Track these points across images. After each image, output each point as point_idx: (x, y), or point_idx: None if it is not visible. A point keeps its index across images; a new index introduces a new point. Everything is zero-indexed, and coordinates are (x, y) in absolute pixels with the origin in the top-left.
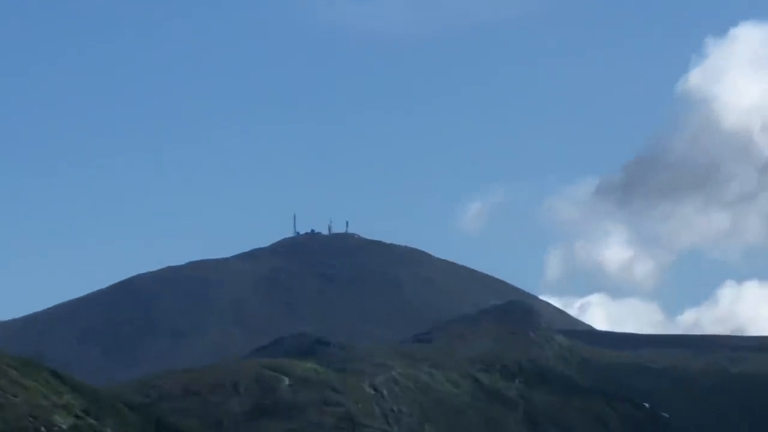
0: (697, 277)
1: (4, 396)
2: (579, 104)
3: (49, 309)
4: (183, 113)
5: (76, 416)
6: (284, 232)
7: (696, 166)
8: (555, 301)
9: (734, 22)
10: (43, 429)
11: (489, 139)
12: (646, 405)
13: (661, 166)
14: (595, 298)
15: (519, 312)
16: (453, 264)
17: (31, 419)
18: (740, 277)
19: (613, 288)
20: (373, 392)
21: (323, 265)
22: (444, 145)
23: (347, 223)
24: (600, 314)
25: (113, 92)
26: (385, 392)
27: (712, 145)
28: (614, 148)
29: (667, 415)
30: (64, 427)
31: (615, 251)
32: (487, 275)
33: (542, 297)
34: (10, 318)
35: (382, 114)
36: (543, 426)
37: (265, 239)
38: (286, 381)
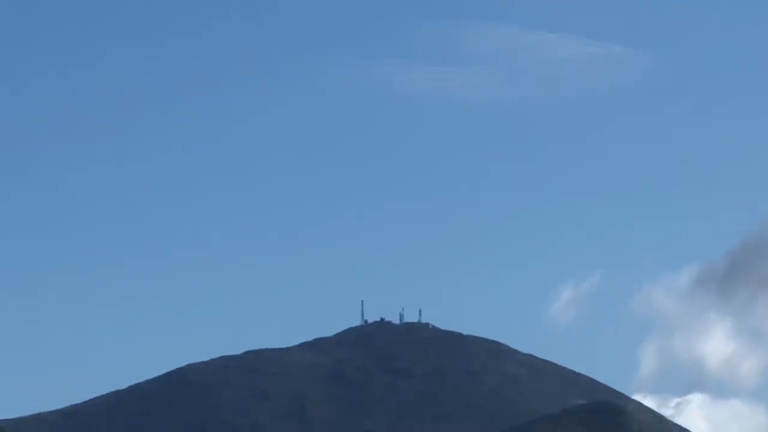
0: None
1: None
2: (681, 182)
3: (91, 400)
4: (242, 190)
5: None
6: (351, 320)
7: None
8: (649, 401)
9: None
10: None
11: (582, 222)
12: None
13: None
14: (694, 398)
15: (608, 413)
16: (537, 359)
17: None
18: None
19: (714, 387)
20: None
21: (393, 359)
22: (531, 227)
23: (420, 311)
24: (699, 416)
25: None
26: None
27: None
28: (718, 231)
29: None
30: None
31: (717, 346)
32: (574, 371)
33: (635, 396)
34: (50, 410)
35: (461, 191)
36: None
37: (329, 328)
38: None
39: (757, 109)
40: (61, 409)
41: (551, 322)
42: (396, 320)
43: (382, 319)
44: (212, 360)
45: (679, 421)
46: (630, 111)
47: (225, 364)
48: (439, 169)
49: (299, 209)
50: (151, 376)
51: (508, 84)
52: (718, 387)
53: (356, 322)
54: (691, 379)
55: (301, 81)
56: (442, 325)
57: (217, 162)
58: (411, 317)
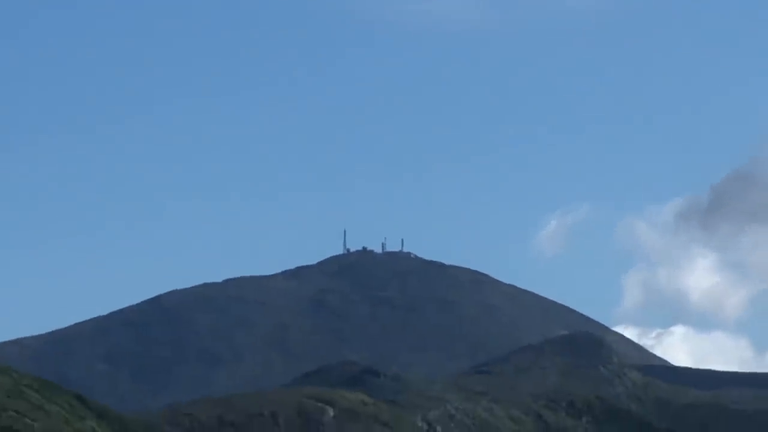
0: None
1: (22, 420)
2: (669, 116)
3: (72, 326)
4: (224, 122)
5: None
6: (333, 249)
7: None
8: (631, 333)
9: None
10: None
11: (568, 154)
12: None
13: (754, 185)
14: (676, 330)
15: (589, 344)
16: (519, 289)
17: None
18: None
19: (697, 319)
20: (426, 427)
21: (375, 287)
22: (517, 158)
23: (402, 241)
24: (681, 348)
25: (157, 112)
26: (439, 428)
27: None
28: (705, 165)
29: None
30: None
31: (700, 279)
32: (556, 303)
33: (617, 328)
34: (31, 335)
35: (447, 120)
36: None
37: (311, 256)
38: (331, 413)
39: (748, 43)
40: (41, 335)
41: (535, 253)
42: (378, 249)
43: (365, 248)
44: (193, 287)
45: (661, 352)
46: (620, 39)
47: (205, 291)
48: (424, 99)
49: (283, 140)
50: (131, 303)
51: (494, 10)
52: (701, 319)
53: (339, 250)
54: (674, 311)
55: (282, 12)
56: (425, 254)
57: (203, 98)
58: (393, 246)
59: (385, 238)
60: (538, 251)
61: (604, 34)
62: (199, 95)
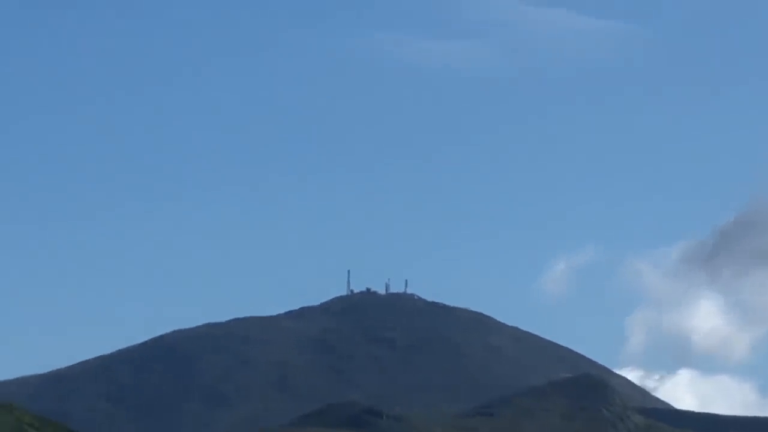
0: None
1: None
2: (675, 158)
3: (75, 365)
4: (233, 157)
5: None
6: (337, 290)
7: None
8: (634, 376)
9: None
10: None
11: (575, 196)
12: None
13: (758, 229)
14: (682, 374)
15: (592, 386)
16: (522, 331)
17: None
18: None
19: (702, 363)
20: None
21: (378, 328)
22: (522, 200)
23: (407, 282)
24: (686, 391)
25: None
26: None
27: None
28: (709, 208)
29: None
30: None
31: (705, 322)
32: (559, 345)
33: (621, 371)
34: (33, 374)
35: (453, 161)
36: None
37: (315, 297)
38: None
39: (753, 87)
40: (45, 373)
41: (539, 295)
42: (382, 290)
43: (368, 289)
44: (197, 327)
45: (664, 395)
46: (625, 86)
47: (210, 331)
48: (432, 140)
49: (287, 176)
50: (136, 342)
51: (504, 57)
52: (706, 362)
53: (342, 291)
54: (678, 354)
55: (298, 53)
56: (428, 296)
57: (204, 123)
58: (397, 288)
59: (389, 279)
60: (542, 293)
61: (610, 80)
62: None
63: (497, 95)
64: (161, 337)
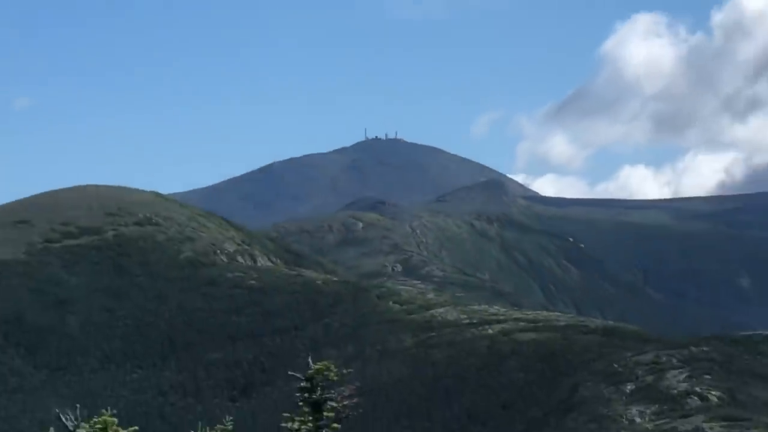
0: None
1: (196, 233)
2: None
3: (219, 183)
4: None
5: (237, 244)
6: (358, 136)
7: None
8: (521, 179)
9: None
10: (218, 251)
11: None
12: (571, 239)
13: None
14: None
15: (497, 185)
16: (460, 157)
17: (212, 246)
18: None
19: (560, 170)
20: (410, 231)
21: (382, 157)
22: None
23: (396, 133)
24: (551, 187)
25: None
26: (418, 231)
27: None
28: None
29: (582, 245)
30: (230, 250)
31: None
32: (477, 163)
33: (512, 175)
34: (191, 189)
35: None
36: (510, 252)
37: (347, 140)
38: (360, 224)
39: None
40: (205, 187)
41: (469, 134)
42: (383, 137)
43: (376, 137)
44: (300, 157)
45: (538, 189)
46: None
47: (307, 161)
48: None
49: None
50: (254, 168)
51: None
52: (561, 170)
53: (361, 137)
54: (544, 166)
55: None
56: (410, 139)
57: None
58: (392, 134)
59: (391, 131)
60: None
61: None
62: None
63: None
64: (267, 166)
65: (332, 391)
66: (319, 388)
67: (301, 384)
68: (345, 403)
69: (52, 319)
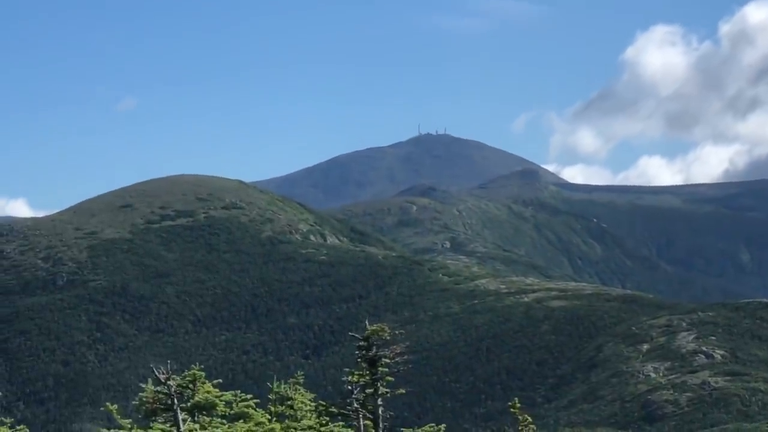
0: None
1: (275, 215)
2: None
3: (294, 173)
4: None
5: (310, 225)
6: (412, 132)
7: None
8: (553, 168)
9: None
10: (293, 231)
11: None
12: (595, 220)
13: None
14: (577, 167)
15: (532, 174)
16: (500, 149)
17: (288, 226)
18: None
19: (587, 160)
20: (458, 213)
21: (433, 150)
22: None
23: (445, 129)
24: (578, 175)
25: None
26: (463, 213)
27: None
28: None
29: (605, 225)
30: (304, 230)
31: (588, 142)
32: (515, 155)
33: (545, 165)
34: (270, 177)
35: None
36: (543, 231)
37: (404, 135)
38: (414, 207)
39: None
40: (279, 177)
41: (509, 131)
42: (434, 132)
43: (428, 133)
44: (363, 150)
45: (566, 177)
46: None
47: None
48: None
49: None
50: (322, 160)
51: None
52: (588, 160)
53: (415, 133)
54: (573, 157)
55: None
56: (455, 134)
57: None
58: (441, 131)
59: (438, 127)
60: (510, 130)
61: None
62: None
63: None
64: (333, 158)
65: (386, 350)
66: (374, 347)
67: (359, 343)
68: (397, 359)
69: (153, 289)
